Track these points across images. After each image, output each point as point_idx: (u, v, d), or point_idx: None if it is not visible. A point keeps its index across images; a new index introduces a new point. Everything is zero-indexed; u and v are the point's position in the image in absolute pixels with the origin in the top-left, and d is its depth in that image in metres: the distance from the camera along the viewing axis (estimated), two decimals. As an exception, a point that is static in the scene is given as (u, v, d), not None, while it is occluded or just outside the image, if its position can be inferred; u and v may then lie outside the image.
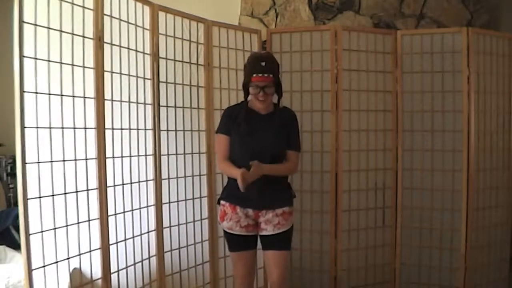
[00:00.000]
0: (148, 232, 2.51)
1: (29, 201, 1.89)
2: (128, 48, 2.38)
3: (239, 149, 2.20)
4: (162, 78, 2.58)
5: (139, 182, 2.45)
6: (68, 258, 2.09)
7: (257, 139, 2.19)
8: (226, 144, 2.24)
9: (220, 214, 2.29)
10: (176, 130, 2.66)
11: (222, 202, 2.28)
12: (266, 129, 2.21)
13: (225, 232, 2.28)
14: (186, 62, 2.72)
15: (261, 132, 2.20)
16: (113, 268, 2.30)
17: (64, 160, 2.07)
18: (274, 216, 2.20)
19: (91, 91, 2.18)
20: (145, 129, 2.49)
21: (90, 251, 2.19)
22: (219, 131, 2.28)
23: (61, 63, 2.05)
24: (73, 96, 2.11)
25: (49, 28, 1.99)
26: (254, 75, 2.13)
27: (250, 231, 2.23)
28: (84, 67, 2.15)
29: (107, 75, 2.25)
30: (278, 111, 2.27)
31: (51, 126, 2.01)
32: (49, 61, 1.99)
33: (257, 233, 2.25)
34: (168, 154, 2.61)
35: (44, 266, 1.97)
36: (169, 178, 2.62)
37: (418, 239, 3.06)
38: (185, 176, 2.71)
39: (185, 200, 2.72)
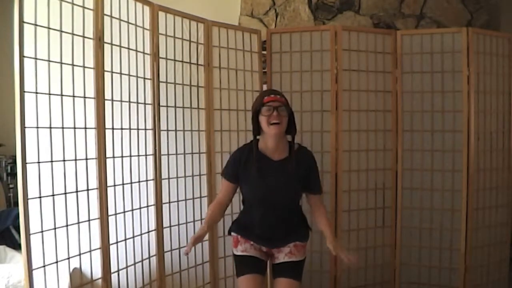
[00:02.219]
0: (148, 232, 2.51)
1: (29, 201, 1.90)
2: (128, 48, 2.39)
3: (250, 194, 2.14)
4: (162, 78, 2.58)
5: (139, 182, 2.45)
6: (68, 258, 2.09)
7: (271, 186, 2.08)
8: (225, 190, 2.18)
9: (233, 242, 2.23)
10: (176, 130, 2.67)
11: (233, 234, 2.23)
12: (278, 176, 2.09)
13: (236, 256, 2.21)
14: (186, 62, 2.72)
15: (272, 178, 2.08)
16: (113, 268, 2.30)
17: (64, 160, 2.07)
18: (287, 247, 2.17)
19: (91, 91, 2.18)
20: (145, 129, 2.49)
21: (90, 251, 2.19)
22: (223, 175, 2.20)
23: (61, 63, 2.05)
24: (73, 96, 2.11)
25: (49, 28, 1.99)
26: (266, 97, 2.05)
27: (262, 256, 2.19)
28: (84, 67, 2.15)
29: (107, 75, 2.26)
30: (295, 154, 2.12)
31: (51, 126, 2.01)
32: (49, 61, 2.00)
33: (268, 260, 2.23)
34: (168, 154, 2.61)
35: (44, 266, 1.97)
36: (169, 178, 2.62)
37: (418, 239, 3.06)
38: (185, 176, 2.71)
39: (185, 200, 2.72)
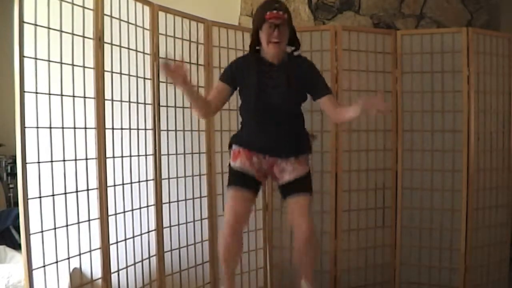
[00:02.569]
0: (148, 232, 2.51)
1: (29, 201, 1.90)
2: (128, 48, 2.39)
3: (252, 105, 2.11)
4: (162, 78, 2.58)
5: (139, 182, 2.45)
6: (68, 258, 2.09)
7: (270, 94, 2.07)
8: (217, 91, 2.14)
9: (233, 155, 2.19)
10: (176, 130, 2.67)
11: (235, 147, 2.19)
12: (279, 83, 2.09)
13: (231, 168, 2.18)
14: (186, 62, 2.72)
15: (274, 86, 2.09)
16: (113, 268, 2.30)
17: (64, 160, 2.07)
18: (289, 164, 2.13)
19: (91, 91, 2.18)
20: (145, 129, 2.49)
21: (90, 251, 2.19)
22: (219, 78, 2.19)
23: (61, 63, 2.05)
24: (73, 96, 2.11)
25: (49, 28, 1.99)
26: (268, 12, 1.98)
27: (259, 177, 2.16)
28: (84, 67, 2.15)
29: (107, 75, 2.26)
30: (292, 60, 2.13)
31: (51, 126, 2.01)
32: (49, 61, 2.00)
33: (262, 184, 2.22)
34: (168, 154, 2.61)
35: (44, 266, 1.97)
36: (169, 178, 2.62)
37: (418, 239, 3.06)
38: (185, 176, 2.71)
39: (185, 200, 2.72)
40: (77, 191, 2.13)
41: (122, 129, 2.36)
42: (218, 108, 2.18)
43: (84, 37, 2.15)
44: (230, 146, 2.25)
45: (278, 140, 2.13)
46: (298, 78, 2.10)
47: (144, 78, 2.48)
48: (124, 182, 2.37)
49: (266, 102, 2.09)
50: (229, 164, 2.21)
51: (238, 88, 2.22)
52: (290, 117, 2.15)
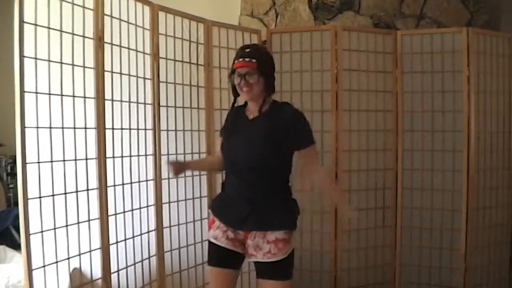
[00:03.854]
0: (148, 232, 2.51)
1: (29, 201, 1.90)
2: (128, 48, 2.38)
3: (224, 156, 1.93)
4: (162, 78, 2.58)
5: (139, 182, 2.45)
6: (68, 258, 2.09)
7: (241, 151, 1.84)
8: (221, 145, 1.98)
9: (209, 222, 2.01)
10: (176, 130, 2.67)
11: (211, 213, 2.00)
12: (252, 138, 1.84)
13: (209, 242, 1.96)
14: (186, 62, 2.72)
15: (246, 142, 1.84)
16: (113, 268, 2.30)
17: (64, 160, 2.07)
18: (265, 243, 1.81)
19: (91, 91, 2.18)
20: (145, 129, 2.49)
21: (90, 251, 2.19)
22: (221, 134, 2.02)
23: (61, 63, 2.05)
24: (73, 96, 2.11)
25: (49, 28, 1.99)
26: (236, 61, 1.87)
27: (236, 247, 1.88)
28: (84, 67, 2.15)
29: (107, 75, 2.26)
30: (275, 109, 1.87)
31: (51, 126, 2.01)
32: (49, 61, 2.00)
33: (243, 253, 1.90)
34: (168, 154, 2.61)
35: (44, 266, 1.97)
36: (169, 178, 2.62)
37: (418, 239, 3.06)
38: (185, 176, 2.71)
39: (185, 200, 2.72)
40: (77, 191, 2.13)
41: (122, 129, 2.36)
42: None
43: (84, 37, 2.15)
44: (210, 213, 2.03)
45: (252, 210, 1.82)
46: (278, 129, 1.81)
47: (144, 78, 2.48)
48: (124, 182, 2.37)
49: (235, 161, 1.86)
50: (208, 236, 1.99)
51: None
52: (266, 178, 1.83)
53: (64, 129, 2.07)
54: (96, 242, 2.21)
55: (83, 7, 2.14)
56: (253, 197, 1.84)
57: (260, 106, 1.86)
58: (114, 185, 2.31)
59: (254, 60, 1.82)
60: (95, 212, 2.20)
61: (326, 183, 1.86)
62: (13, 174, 4.46)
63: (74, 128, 2.12)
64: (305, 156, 1.84)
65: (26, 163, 1.88)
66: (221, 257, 1.91)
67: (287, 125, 1.82)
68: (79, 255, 2.15)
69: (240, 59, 1.85)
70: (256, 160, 1.82)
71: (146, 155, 2.49)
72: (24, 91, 1.87)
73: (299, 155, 1.85)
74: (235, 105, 1.98)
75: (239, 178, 1.87)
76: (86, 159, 2.16)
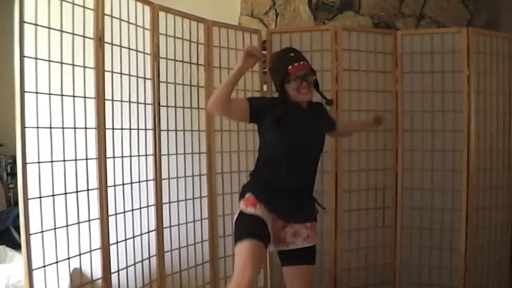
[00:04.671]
0: (148, 232, 2.51)
1: (29, 201, 1.90)
2: (129, 48, 2.38)
3: (277, 143, 1.94)
4: (162, 78, 2.58)
5: (139, 182, 2.45)
6: (68, 258, 2.09)
7: (304, 133, 1.96)
8: (241, 106, 1.91)
9: (247, 202, 1.92)
10: (176, 130, 2.67)
11: (249, 195, 1.94)
12: (312, 125, 2.01)
13: (245, 215, 1.89)
14: (186, 62, 2.72)
15: (307, 127, 1.98)
16: (113, 268, 2.30)
17: (64, 160, 2.07)
18: (304, 228, 1.99)
19: (91, 91, 2.18)
20: (145, 129, 2.49)
21: (90, 251, 2.19)
22: (248, 99, 1.97)
23: (61, 63, 2.05)
24: (74, 96, 2.11)
25: (49, 28, 1.99)
26: (290, 66, 1.91)
27: (271, 230, 1.91)
28: (84, 67, 2.15)
29: (107, 75, 2.26)
30: (312, 105, 2.07)
31: (52, 126, 2.01)
32: (49, 61, 1.99)
33: (273, 245, 1.97)
34: (168, 154, 2.61)
35: (44, 266, 1.97)
36: (169, 178, 2.62)
37: (418, 239, 3.06)
38: (185, 176, 2.71)
39: (185, 200, 2.72)
40: (77, 191, 2.13)
41: (122, 129, 2.36)
42: (230, 110, 1.91)
43: (84, 37, 2.15)
44: (241, 196, 1.99)
45: (300, 202, 1.98)
46: (323, 120, 2.14)
47: (144, 78, 2.48)
48: (124, 182, 2.37)
49: (298, 148, 1.94)
50: (240, 213, 1.93)
51: (258, 126, 2.03)
52: (316, 166, 2.05)
53: (64, 129, 2.07)
54: (96, 242, 2.21)
55: (83, 7, 2.14)
56: (304, 185, 1.99)
57: (310, 101, 2.03)
58: (114, 185, 2.31)
59: (306, 62, 1.96)
60: (95, 212, 2.20)
61: (362, 124, 2.60)
62: (13, 174, 4.46)
63: (74, 128, 2.12)
64: (342, 125, 2.37)
65: (26, 163, 1.88)
66: (264, 232, 1.86)
67: (324, 116, 2.16)
68: (79, 255, 2.15)
69: (296, 64, 1.92)
70: (319, 148, 2.05)
71: (146, 155, 2.49)
72: (24, 91, 1.87)
73: (338, 129, 2.28)
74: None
75: (295, 166, 1.93)
76: (86, 159, 2.16)
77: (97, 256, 2.22)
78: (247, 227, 1.87)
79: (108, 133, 2.26)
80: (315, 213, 2.07)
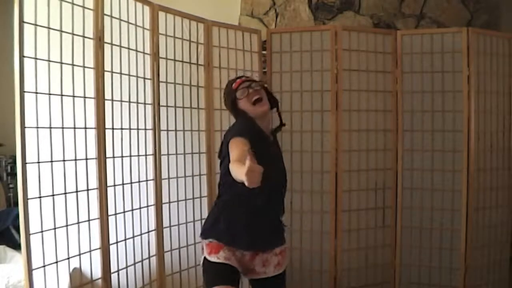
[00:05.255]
0: (148, 232, 2.51)
1: (29, 201, 1.90)
2: (128, 48, 2.38)
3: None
4: (162, 78, 2.58)
5: (139, 182, 2.45)
6: (68, 258, 2.09)
7: (268, 163, 1.74)
8: (247, 148, 1.66)
9: (211, 248, 1.83)
10: (176, 130, 2.67)
11: (212, 240, 1.84)
12: (277, 152, 1.97)
13: (212, 264, 1.81)
14: (186, 62, 2.72)
15: (275, 157, 1.93)
16: (113, 268, 2.30)
17: (64, 160, 2.07)
18: (273, 255, 1.89)
19: (91, 91, 2.18)
20: (145, 129, 2.49)
21: (90, 251, 2.19)
22: (242, 135, 1.75)
23: (61, 63, 2.05)
24: (73, 96, 2.11)
25: (49, 28, 1.99)
26: (233, 84, 1.92)
27: (239, 267, 1.84)
28: (84, 67, 2.15)
29: (107, 75, 2.26)
30: (273, 132, 2.00)
31: (51, 126, 2.01)
32: (49, 61, 1.99)
33: (242, 276, 1.88)
34: (168, 154, 2.61)
35: (44, 266, 1.97)
36: (169, 178, 2.62)
37: (418, 239, 3.06)
38: (185, 176, 2.71)
39: (185, 200, 2.72)
40: (77, 191, 2.13)
41: (122, 129, 2.36)
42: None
43: (84, 37, 2.14)
44: (205, 237, 1.88)
45: (274, 230, 1.91)
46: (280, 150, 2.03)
47: (144, 78, 2.48)
48: (124, 182, 2.37)
49: (277, 169, 1.90)
50: (205, 260, 1.84)
51: None
52: (285, 191, 1.97)
53: (64, 129, 2.07)
54: (96, 242, 2.21)
55: (83, 7, 2.14)
56: (276, 213, 1.92)
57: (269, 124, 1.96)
58: (114, 185, 2.31)
59: (249, 77, 2.01)
60: (95, 212, 2.20)
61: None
62: (13, 174, 4.46)
63: (74, 128, 2.12)
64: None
65: (26, 163, 1.88)
66: (234, 278, 1.81)
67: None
68: (79, 255, 2.15)
69: (237, 80, 1.95)
70: (285, 176, 1.98)
71: (146, 155, 2.49)
72: (24, 91, 1.87)
73: None
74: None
75: (269, 197, 1.84)
76: (86, 159, 2.16)
77: (97, 256, 2.22)
78: (214, 275, 1.82)
79: (108, 133, 2.26)
80: (283, 235, 1.97)
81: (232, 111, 1.95)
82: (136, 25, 2.43)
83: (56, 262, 2.03)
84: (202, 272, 1.89)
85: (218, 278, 1.79)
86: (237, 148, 1.68)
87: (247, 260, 1.87)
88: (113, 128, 2.30)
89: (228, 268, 1.79)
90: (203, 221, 2.77)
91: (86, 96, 2.16)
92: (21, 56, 1.86)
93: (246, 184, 1.48)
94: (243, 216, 1.83)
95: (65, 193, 2.07)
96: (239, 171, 1.53)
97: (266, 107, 1.90)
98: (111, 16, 2.28)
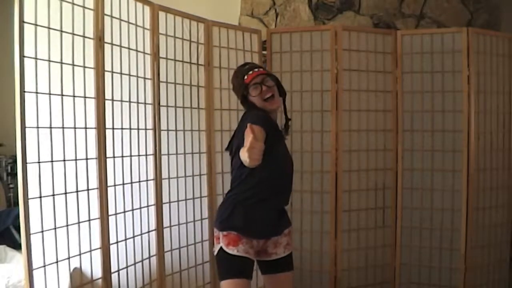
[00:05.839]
0: (148, 232, 2.51)
1: (29, 201, 1.90)
2: (129, 48, 2.39)
3: (275, 166, 1.89)
4: (162, 78, 2.58)
5: (139, 182, 2.45)
6: (69, 258, 2.09)
7: (281, 152, 1.99)
8: (263, 135, 1.76)
9: (230, 240, 1.88)
10: (176, 130, 2.67)
11: (232, 232, 1.89)
12: (284, 145, 2.05)
13: (230, 256, 1.87)
14: (186, 62, 2.72)
15: (282, 145, 2.01)
16: (113, 267, 2.30)
17: (64, 160, 2.07)
18: (283, 236, 2.02)
19: (91, 91, 2.18)
20: (146, 129, 2.49)
21: (91, 251, 2.19)
22: (260, 124, 1.78)
23: (61, 63, 2.05)
24: (74, 96, 2.11)
25: (49, 28, 1.99)
26: (246, 77, 1.95)
27: (254, 253, 1.95)
28: (84, 67, 2.15)
29: (107, 75, 2.26)
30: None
31: (52, 126, 2.01)
32: (49, 61, 2.00)
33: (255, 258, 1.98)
34: (168, 154, 2.61)
35: (44, 266, 1.97)
36: (169, 178, 2.62)
37: (418, 239, 3.06)
38: (185, 176, 2.71)
39: (185, 200, 2.72)
40: (77, 191, 2.13)
41: (122, 129, 2.36)
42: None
43: (84, 37, 2.15)
44: (222, 229, 1.92)
45: (281, 215, 2.02)
46: None
47: (144, 78, 2.49)
48: (124, 182, 2.37)
49: (287, 164, 2.02)
50: (221, 250, 1.90)
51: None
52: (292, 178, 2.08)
53: (65, 129, 2.07)
54: (97, 242, 2.21)
55: (83, 7, 2.14)
56: (285, 199, 2.02)
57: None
58: (115, 185, 2.31)
59: (262, 69, 2.03)
60: (95, 212, 2.20)
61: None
62: (13, 174, 4.46)
63: (75, 128, 2.12)
64: None
65: (27, 163, 1.88)
66: (251, 271, 1.91)
67: None
68: (80, 254, 2.15)
69: (250, 72, 1.98)
70: (293, 166, 2.06)
71: (146, 155, 2.49)
72: (24, 91, 1.87)
73: None
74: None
75: (282, 183, 1.97)
76: (87, 159, 2.17)
77: (97, 256, 2.22)
78: (231, 267, 1.88)
79: (108, 133, 2.26)
80: (288, 216, 2.10)
81: (243, 103, 2.04)
82: (136, 25, 2.43)
83: (57, 262, 2.03)
84: (216, 261, 1.96)
85: (235, 271, 1.86)
86: (254, 134, 1.68)
87: (261, 245, 1.98)
88: (113, 128, 2.30)
89: (246, 261, 1.88)
90: (203, 221, 2.81)
91: (87, 96, 2.16)
92: (21, 56, 1.86)
93: (247, 162, 1.56)
94: (257, 206, 1.91)
95: (66, 193, 2.07)
96: (242, 150, 1.64)
97: (278, 104, 1.99)
98: (111, 16, 2.28)
